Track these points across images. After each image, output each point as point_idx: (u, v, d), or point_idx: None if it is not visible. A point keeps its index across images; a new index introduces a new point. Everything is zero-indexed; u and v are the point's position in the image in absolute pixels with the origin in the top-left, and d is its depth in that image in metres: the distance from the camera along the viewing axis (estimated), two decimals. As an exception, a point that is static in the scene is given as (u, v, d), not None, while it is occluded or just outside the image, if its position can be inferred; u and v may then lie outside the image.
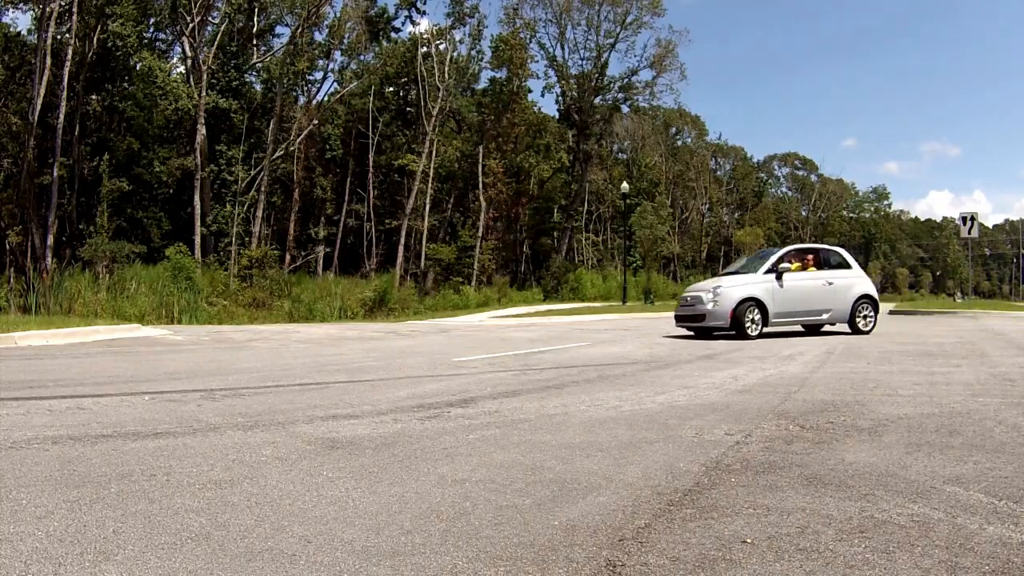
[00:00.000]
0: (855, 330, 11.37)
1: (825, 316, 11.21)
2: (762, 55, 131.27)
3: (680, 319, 11.41)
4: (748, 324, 10.30)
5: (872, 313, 11.54)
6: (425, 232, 32.70)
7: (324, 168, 35.15)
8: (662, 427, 3.74)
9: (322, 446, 3.23)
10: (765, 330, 10.66)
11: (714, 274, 19.12)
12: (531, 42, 37.17)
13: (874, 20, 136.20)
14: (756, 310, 10.43)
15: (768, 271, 10.84)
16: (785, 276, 10.80)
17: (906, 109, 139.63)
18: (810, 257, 11.58)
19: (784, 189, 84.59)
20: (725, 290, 10.51)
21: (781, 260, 11.05)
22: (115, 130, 27.39)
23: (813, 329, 11.85)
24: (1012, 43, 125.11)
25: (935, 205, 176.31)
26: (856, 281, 11.53)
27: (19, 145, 23.03)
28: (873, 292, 11.72)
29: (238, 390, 5.03)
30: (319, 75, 32.42)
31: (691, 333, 11.43)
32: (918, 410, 4.20)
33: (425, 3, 48.80)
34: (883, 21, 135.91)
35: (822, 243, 26.00)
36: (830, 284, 11.18)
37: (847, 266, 11.76)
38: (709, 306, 10.48)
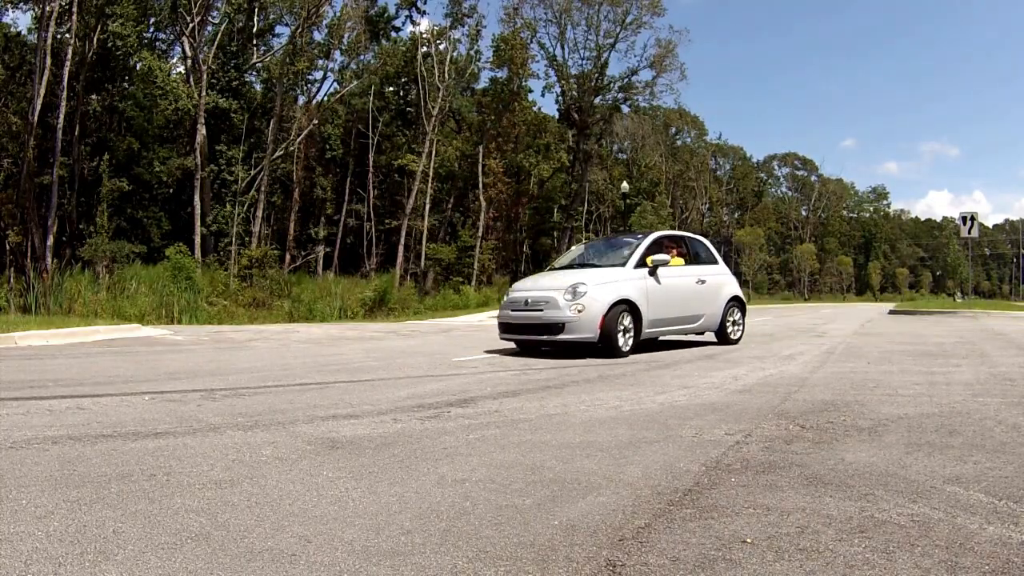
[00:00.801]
0: (724, 340, 9.41)
1: (698, 323, 9.02)
2: (762, 55, 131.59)
3: (513, 329, 8.25)
4: (620, 335, 7.72)
5: (741, 319, 9.72)
6: (425, 232, 32.70)
7: (324, 168, 35.18)
8: (662, 427, 3.74)
9: (322, 446, 3.23)
10: (635, 341, 8.10)
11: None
12: (531, 42, 37.24)
13: (874, 20, 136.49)
14: (628, 316, 7.86)
15: (639, 264, 8.32)
16: (660, 271, 8.39)
17: (906, 109, 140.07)
18: (675, 248, 9.15)
19: (784, 189, 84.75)
20: (592, 290, 7.65)
21: (653, 250, 8.64)
22: (115, 130, 27.39)
23: (654, 339, 9.43)
24: (1012, 43, 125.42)
25: (935, 205, 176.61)
26: (725, 280, 9.60)
27: (19, 145, 23.02)
28: (741, 293, 9.87)
29: (238, 390, 5.03)
30: (319, 75, 32.45)
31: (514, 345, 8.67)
32: (918, 410, 4.20)
33: (425, 3, 48.89)
34: (883, 21, 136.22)
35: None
36: (702, 283, 9.06)
37: (714, 261, 9.72)
38: (569, 312, 7.55)
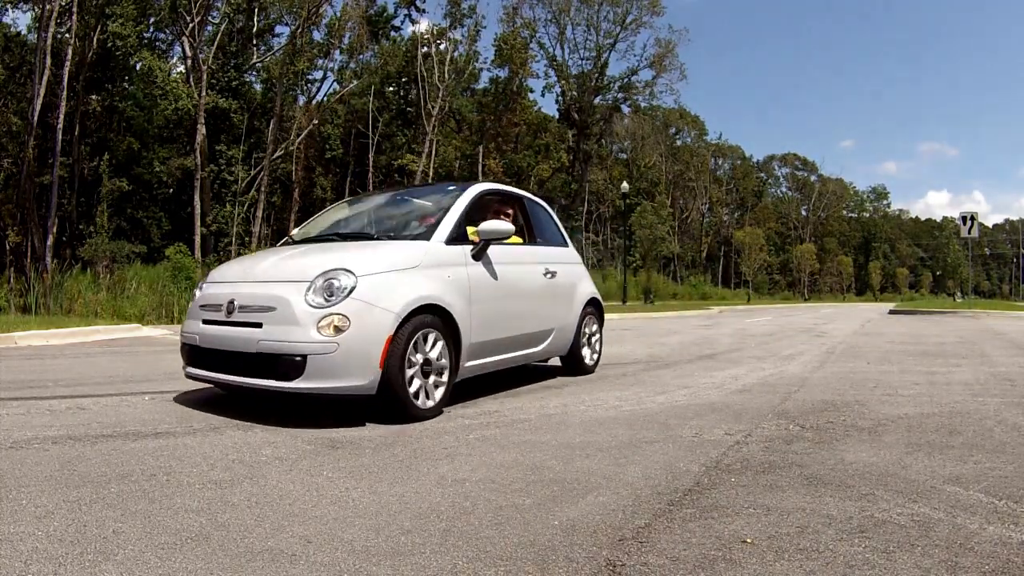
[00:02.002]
0: (575, 368, 5.87)
1: (544, 344, 5.30)
2: (762, 55, 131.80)
3: (205, 360, 3.95)
4: (419, 378, 3.80)
5: (599, 332, 6.26)
6: (425, 232, 32.69)
7: (324, 168, 35.21)
8: (662, 427, 3.74)
9: (322, 446, 3.23)
10: (449, 386, 4.06)
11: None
12: (531, 42, 37.30)
13: (874, 20, 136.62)
14: (438, 339, 3.95)
15: (455, 238, 4.35)
16: (493, 252, 4.59)
17: (905, 109, 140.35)
18: (505, 214, 5.31)
19: (784, 189, 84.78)
20: (366, 284, 3.64)
21: (479, 210, 4.87)
22: (115, 130, 27.40)
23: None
24: (1012, 43, 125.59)
25: (934, 205, 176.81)
26: (580, 273, 6.01)
27: (19, 145, 23.03)
28: (599, 294, 6.25)
29: (238, 390, 5.01)
30: (319, 75, 32.46)
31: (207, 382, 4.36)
32: (918, 410, 4.20)
33: (425, 2, 48.84)
34: (883, 21, 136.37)
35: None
36: (552, 276, 5.39)
37: (562, 241, 5.97)
38: (315, 332, 3.47)
